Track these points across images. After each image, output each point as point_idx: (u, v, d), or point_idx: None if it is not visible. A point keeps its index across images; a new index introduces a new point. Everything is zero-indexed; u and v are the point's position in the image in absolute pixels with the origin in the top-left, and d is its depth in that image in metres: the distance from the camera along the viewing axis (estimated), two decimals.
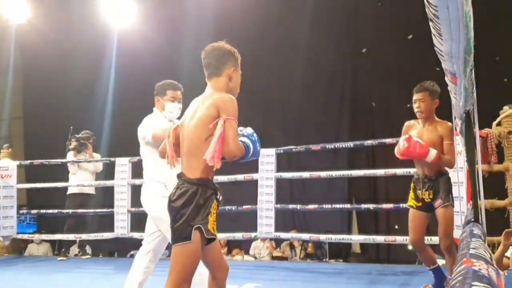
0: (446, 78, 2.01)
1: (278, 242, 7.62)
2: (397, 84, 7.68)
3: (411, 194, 3.57)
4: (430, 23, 1.37)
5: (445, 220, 3.39)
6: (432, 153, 3.26)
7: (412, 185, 3.59)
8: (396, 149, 3.48)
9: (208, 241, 2.16)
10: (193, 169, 2.14)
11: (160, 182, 3.24)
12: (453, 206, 3.41)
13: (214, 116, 2.13)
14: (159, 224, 3.27)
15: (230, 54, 2.32)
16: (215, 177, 2.39)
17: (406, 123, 3.71)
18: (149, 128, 3.34)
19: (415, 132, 3.51)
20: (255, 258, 7.38)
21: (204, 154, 2.08)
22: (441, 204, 3.38)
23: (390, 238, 5.65)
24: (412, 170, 5.66)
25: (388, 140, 5.69)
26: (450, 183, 3.42)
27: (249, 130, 2.35)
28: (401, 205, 5.66)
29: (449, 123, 3.46)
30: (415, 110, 3.52)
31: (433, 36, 1.49)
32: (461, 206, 4.58)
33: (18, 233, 7.21)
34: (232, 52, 2.33)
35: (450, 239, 3.41)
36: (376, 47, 7.82)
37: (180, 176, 2.18)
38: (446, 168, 3.49)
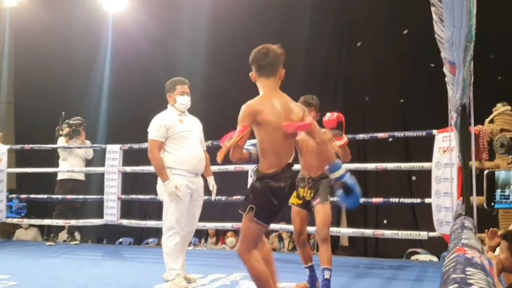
0: (444, 69, 2.00)
1: (266, 233, 7.63)
2: (391, 79, 7.70)
3: (294, 193, 3.78)
4: (432, 8, 1.36)
5: (324, 214, 3.70)
6: (345, 138, 3.69)
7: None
8: (327, 118, 3.80)
9: None
10: (260, 164, 2.61)
11: None
12: (330, 204, 3.77)
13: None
14: None
15: (283, 57, 2.69)
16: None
17: None
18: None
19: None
20: None
21: (263, 152, 2.58)
22: (319, 202, 3.71)
23: (378, 232, 5.69)
24: (403, 165, 5.74)
25: (380, 135, 5.72)
26: (329, 186, 3.75)
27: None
28: (390, 199, 5.70)
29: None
30: None
31: (434, 23, 1.48)
32: (453, 202, 4.61)
33: (7, 217, 7.17)
34: (284, 56, 2.70)
35: (327, 229, 3.74)
36: (371, 41, 7.82)
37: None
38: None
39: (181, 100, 4.04)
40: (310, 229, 4.53)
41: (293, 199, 3.84)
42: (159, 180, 3.95)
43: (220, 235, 7.89)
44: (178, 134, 3.93)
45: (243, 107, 2.55)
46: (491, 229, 3.01)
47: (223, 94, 8.03)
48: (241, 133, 2.48)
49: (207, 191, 4.29)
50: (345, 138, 3.71)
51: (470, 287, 0.64)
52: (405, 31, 7.14)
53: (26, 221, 7.67)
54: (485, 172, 2.74)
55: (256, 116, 2.51)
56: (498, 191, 2.70)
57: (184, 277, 3.97)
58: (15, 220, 7.66)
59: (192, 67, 8.68)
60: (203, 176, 4.16)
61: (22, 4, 9.55)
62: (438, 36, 1.54)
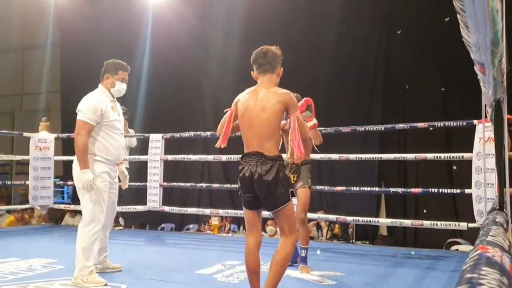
0: (475, 68, 2.00)
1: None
2: (431, 67, 7.57)
3: None
4: (458, 16, 1.38)
5: (304, 198, 4.11)
6: (315, 120, 3.95)
7: None
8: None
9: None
10: (269, 149, 2.75)
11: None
12: (310, 188, 4.14)
13: (283, 111, 2.79)
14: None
15: (280, 57, 2.95)
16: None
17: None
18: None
19: None
20: None
21: (275, 138, 2.79)
22: (301, 186, 4.10)
23: (417, 222, 5.66)
24: (443, 155, 5.68)
25: (420, 124, 5.66)
26: (309, 170, 4.18)
27: None
28: (430, 189, 5.65)
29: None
30: None
31: (461, 28, 1.50)
32: (486, 193, 4.56)
33: (54, 203, 7.48)
34: (281, 56, 2.96)
35: (305, 213, 4.12)
36: (412, 29, 7.69)
37: (255, 154, 2.75)
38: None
39: (120, 86, 3.87)
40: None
41: None
42: (76, 166, 3.66)
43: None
44: (110, 122, 3.74)
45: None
46: None
47: (254, 83, 8.03)
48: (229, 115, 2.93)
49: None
50: (314, 120, 3.94)
51: (480, 287, 0.68)
52: (447, 19, 6.98)
53: (72, 207, 7.97)
54: None
55: (236, 104, 2.92)
56: None
57: (109, 266, 3.93)
58: (62, 206, 7.98)
59: (227, 58, 8.77)
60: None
61: None
62: (465, 40, 1.55)
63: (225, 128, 2.88)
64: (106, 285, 3.54)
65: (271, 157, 2.74)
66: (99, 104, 3.69)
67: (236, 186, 7.00)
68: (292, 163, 4.16)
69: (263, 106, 2.76)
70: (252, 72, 2.97)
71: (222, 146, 2.87)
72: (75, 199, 9.60)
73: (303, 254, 4.14)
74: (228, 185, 7.22)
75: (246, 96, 2.87)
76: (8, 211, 8.90)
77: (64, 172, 9.91)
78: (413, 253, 4.58)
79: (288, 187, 2.79)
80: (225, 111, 2.96)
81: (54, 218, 8.42)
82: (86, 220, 3.61)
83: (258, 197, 2.79)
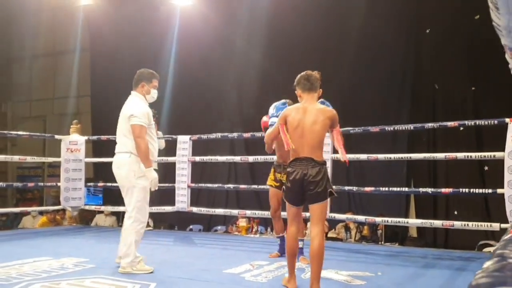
0: (506, 56, 1.96)
1: (333, 223, 7.64)
2: (461, 66, 7.45)
3: (272, 176, 4.66)
4: None
5: None
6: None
7: (272, 169, 4.69)
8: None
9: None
10: (318, 155, 3.30)
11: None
12: None
13: (329, 126, 3.38)
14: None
15: (319, 80, 3.56)
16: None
17: None
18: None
19: None
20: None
21: (322, 147, 3.38)
22: None
23: (447, 223, 5.56)
24: (474, 154, 5.59)
25: (450, 123, 5.57)
26: None
27: None
28: (460, 189, 5.54)
29: None
30: None
31: (490, 11, 1.47)
32: None
33: (85, 204, 7.60)
34: (320, 81, 3.57)
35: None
36: (441, 27, 7.59)
37: (306, 159, 3.28)
38: None
39: (154, 93, 4.17)
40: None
41: (271, 182, 4.65)
42: (121, 166, 4.00)
43: (286, 224, 7.98)
44: (151, 125, 4.05)
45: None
46: None
47: (277, 85, 8.00)
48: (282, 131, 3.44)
49: None
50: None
51: (509, 260, 0.67)
52: (477, 17, 6.86)
53: (103, 208, 8.08)
54: None
55: (284, 118, 3.43)
56: None
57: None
58: (93, 207, 8.11)
59: (250, 62, 8.79)
60: None
61: (96, 2, 10.00)
62: (495, 24, 1.52)
63: (285, 137, 3.37)
64: (152, 272, 3.90)
65: (319, 162, 3.28)
66: (147, 109, 4.02)
67: (263, 187, 6.99)
68: (285, 164, 4.21)
69: (314, 120, 3.32)
70: (296, 91, 3.52)
71: (293, 147, 3.31)
72: (105, 201, 9.76)
73: (300, 245, 4.38)
74: (255, 186, 7.22)
75: (296, 112, 3.40)
76: (41, 213, 9.10)
77: (94, 174, 10.09)
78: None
79: (329, 188, 3.28)
80: (277, 125, 3.53)
81: (85, 219, 8.57)
82: (134, 216, 3.92)
83: (303, 195, 3.31)
